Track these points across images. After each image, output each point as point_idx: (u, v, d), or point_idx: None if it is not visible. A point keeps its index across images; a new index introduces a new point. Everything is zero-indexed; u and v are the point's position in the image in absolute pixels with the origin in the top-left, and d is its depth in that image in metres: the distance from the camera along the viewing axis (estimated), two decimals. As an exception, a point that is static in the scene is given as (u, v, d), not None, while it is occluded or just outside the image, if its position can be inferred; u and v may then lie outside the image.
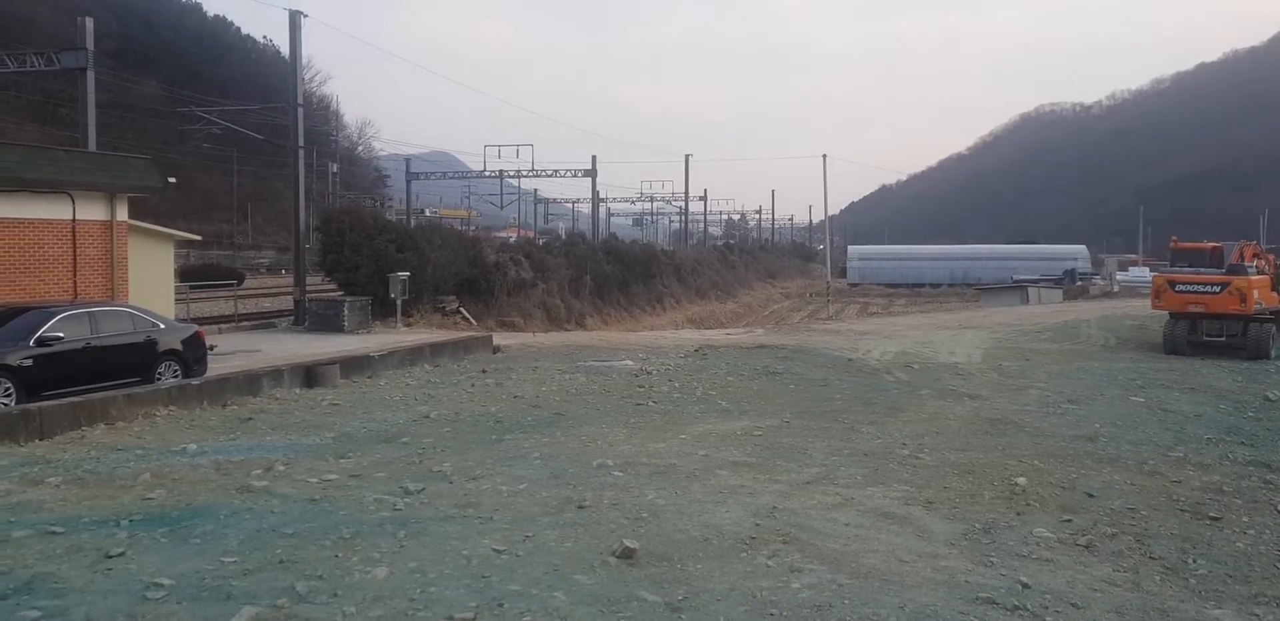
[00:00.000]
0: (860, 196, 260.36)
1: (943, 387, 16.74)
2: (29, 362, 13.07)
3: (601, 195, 70.97)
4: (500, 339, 24.22)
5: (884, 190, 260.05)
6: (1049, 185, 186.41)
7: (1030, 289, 52.48)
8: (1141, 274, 59.97)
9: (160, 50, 78.19)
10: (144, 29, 78.06)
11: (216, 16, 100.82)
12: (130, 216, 19.51)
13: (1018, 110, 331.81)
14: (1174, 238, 27.21)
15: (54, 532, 6.85)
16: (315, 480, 8.81)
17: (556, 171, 59.83)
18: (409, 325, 27.20)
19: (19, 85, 58.15)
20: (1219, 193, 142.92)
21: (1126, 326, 28.47)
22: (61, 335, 13.53)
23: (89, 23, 24.78)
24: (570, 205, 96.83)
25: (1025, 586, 6.35)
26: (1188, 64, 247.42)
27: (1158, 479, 10.18)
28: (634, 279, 48.25)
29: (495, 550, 6.53)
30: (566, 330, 33.90)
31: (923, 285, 79.54)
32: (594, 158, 57.23)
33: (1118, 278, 65.09)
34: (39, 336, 13.32)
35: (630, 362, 19.18)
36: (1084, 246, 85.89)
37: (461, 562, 6.26)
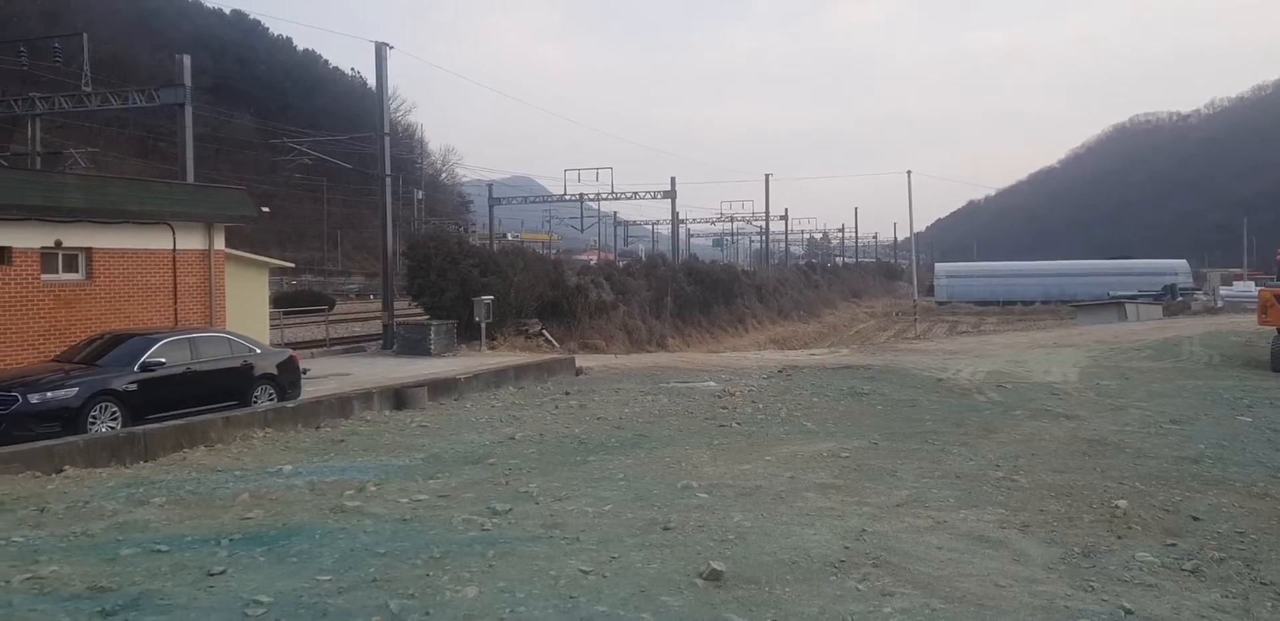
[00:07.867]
0: (947, 212, 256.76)
1: (1038, 407, 16.28)
2: (134, 387, 13.60)
3: (681, 216, 71.06)
4: (582, 360, 24.40)
5: (972, 206, 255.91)
6: (1145, 197, 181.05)
7: (1128, 305, 50.88)
8: (1246, 288, 57.76)
9: (253, 84, 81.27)
10: (238, 65, 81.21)
11: (307, 50, 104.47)
12: (226, 245, 20.21)
13: (1111, 121, 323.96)
14: None
15: (159, 551, 7.09)
16: (405, 500, 8.95)
17: (636, 193, 60.11)
18: (493, 348, 27.55)
19: (122, 121, 61.04)
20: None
21: (1231, 343, 27.37)
22: (164, 361, 14.05)
23: (186, 60, 25.65)
24: (650, 227, 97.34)
25: (1128, 612, 6.11)
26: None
27: (1268, 501, 9.72)
28: (715, 300, 48.18)
29: (582, 570, 6.54)
30: (648, 351, 33.96)
31: (1014, 303, 77.81)
32: (673, 179, 57.32)
33: (1221, 293, 62.78)
34: (143, 362, 13.86)
35: (713, 384, 19.12)
36: (1184, 261, 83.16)
37: (549, 582, 6.29)
